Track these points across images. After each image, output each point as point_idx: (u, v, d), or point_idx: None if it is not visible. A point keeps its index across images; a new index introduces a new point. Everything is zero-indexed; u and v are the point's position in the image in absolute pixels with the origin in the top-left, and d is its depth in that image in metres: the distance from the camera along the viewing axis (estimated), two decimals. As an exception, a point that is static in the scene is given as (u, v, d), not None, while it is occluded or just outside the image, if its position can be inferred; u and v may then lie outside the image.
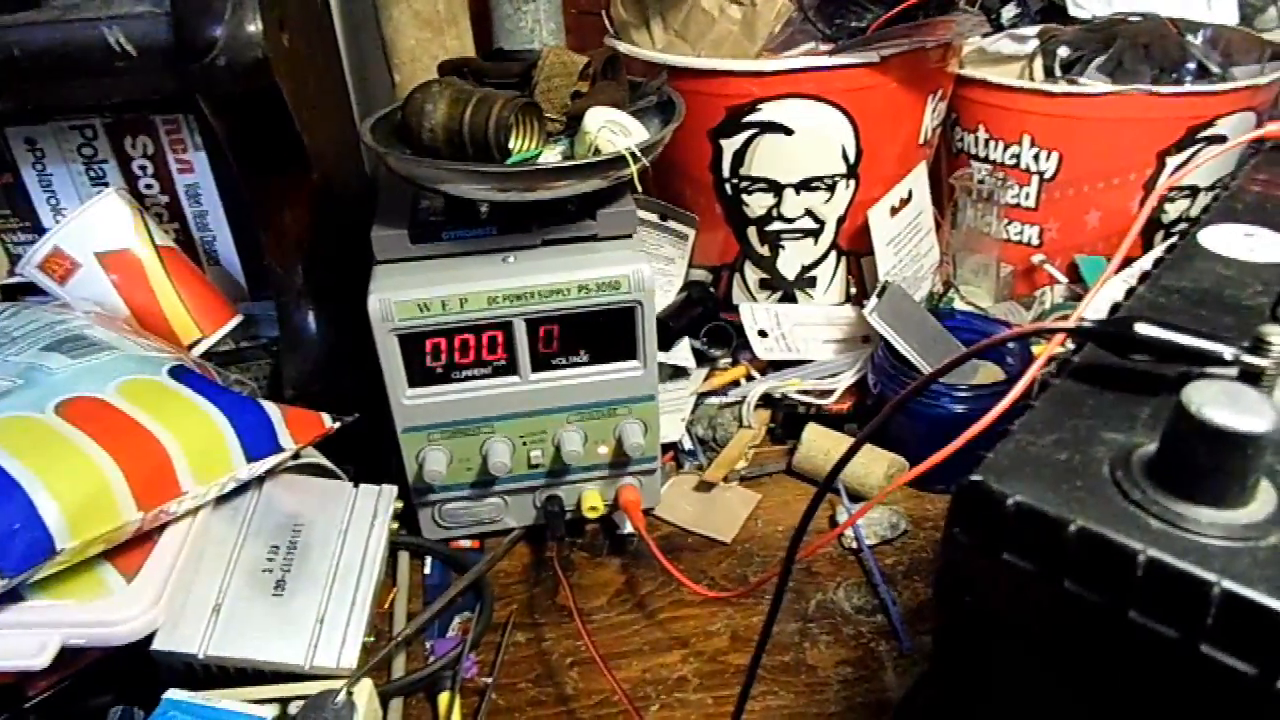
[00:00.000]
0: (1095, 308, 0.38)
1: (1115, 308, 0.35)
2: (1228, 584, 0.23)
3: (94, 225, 0.66)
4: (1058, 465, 0.27)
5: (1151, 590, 0.24)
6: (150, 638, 0.50)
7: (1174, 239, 0.83)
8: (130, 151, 0.73)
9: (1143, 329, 0.30)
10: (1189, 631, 0.24)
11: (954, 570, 0.28)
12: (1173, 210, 0.82)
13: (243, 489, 0.57)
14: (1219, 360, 0.29)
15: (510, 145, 0.55)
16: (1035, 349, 0.70)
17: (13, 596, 0.46)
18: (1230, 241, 0.39)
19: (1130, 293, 0.36)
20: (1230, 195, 0.43)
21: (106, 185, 0.73)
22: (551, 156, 0.59)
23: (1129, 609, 0.24)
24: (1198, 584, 0.23)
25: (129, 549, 0.50)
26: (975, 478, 0.27)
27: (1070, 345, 0.34)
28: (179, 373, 0.56)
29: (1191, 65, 0.78)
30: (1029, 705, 0.29)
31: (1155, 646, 0.24)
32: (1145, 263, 0.77)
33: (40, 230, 0.74)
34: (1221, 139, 0.76)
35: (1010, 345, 0.71)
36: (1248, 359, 0.28)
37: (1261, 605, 0.23)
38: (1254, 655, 0.23)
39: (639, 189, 0.57)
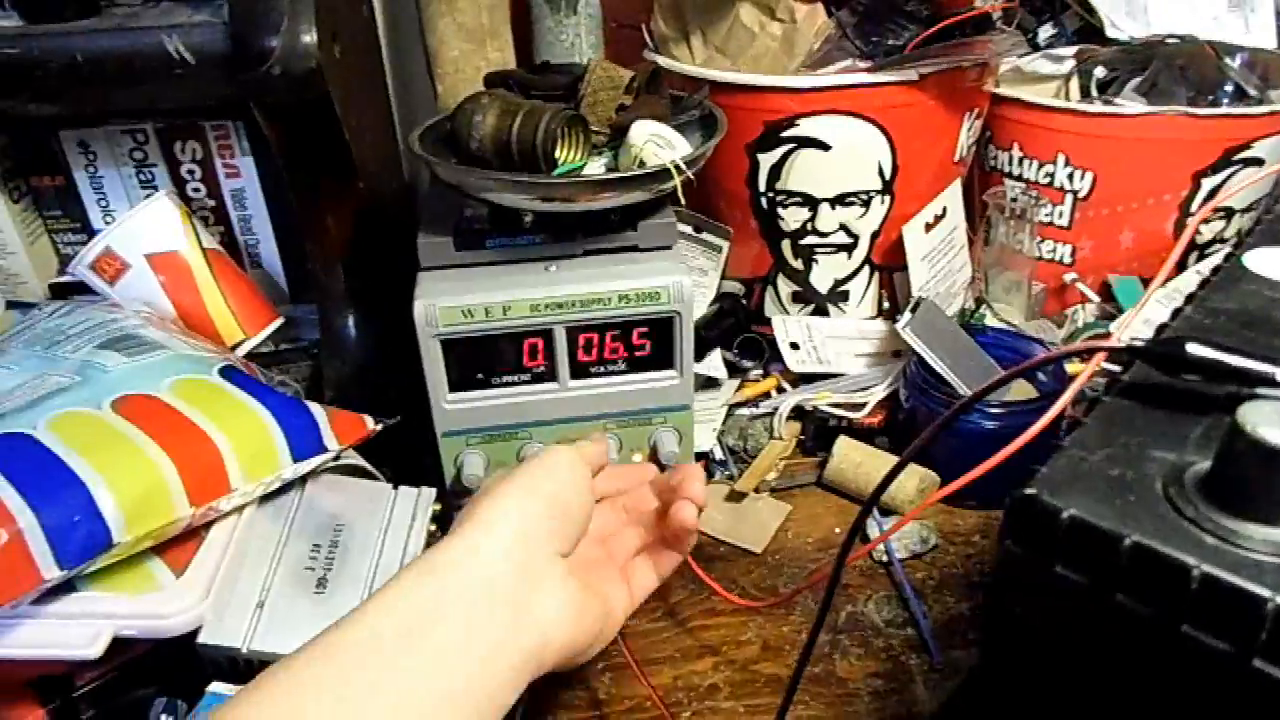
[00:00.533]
0: (1135, 327, 0.39)
1: (1161, 328, 0.36)
2: (1282, 600, 0.23)
3: (144, 227, 0.68)
4: (1110, 481, 0.28)
5: (1205, 605, 0.25)
6: (195, 631, 0.51)
7: (1208, 260, 0.83)
8: (180, 156, 0.75)
9: (1195, 349, 0.30)
10: (1242, 646, 0.24)
11: (1006, 582, 0.29)
12: (1207, 231, 0.82)
13: (286, 488, 0.58)
14: (1270, 381, 0.29)
15: (556, 156, 0.56)
16: (1068, 366, 0.70)
17: (67, 588, 0.48)
18: (1276, 264, 0.39)
19: (1177, 313, 0.36)
20: (1274, 219, 0.44)
21: (155, 188, 0.75)
22: (596, 168, 0.60)
23: (1182, 623, 0.25)
24: (1252, 599, 0.24)
25: (178, 544, 0.52)
26: (1029, 491, 0.27)
27: (1107, 365, 0.35)
28: (229, 372, 0.57)
29: (1228, 87, 0.79)
30: (1076, 717, 0.30)
31: (1208, 660, 0.25)
32: (1181, 283, 0.77)
33: (90, 231, 0.76)
34: (1258, 161, 0.76)
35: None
36: (1299, 381, 0.29)
37: (1316, 622, 0.23)
38: (1308, 671, 0.23)
39: (682, 201, 0.58)
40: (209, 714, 0.36)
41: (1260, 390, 0.29)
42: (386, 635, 0.39)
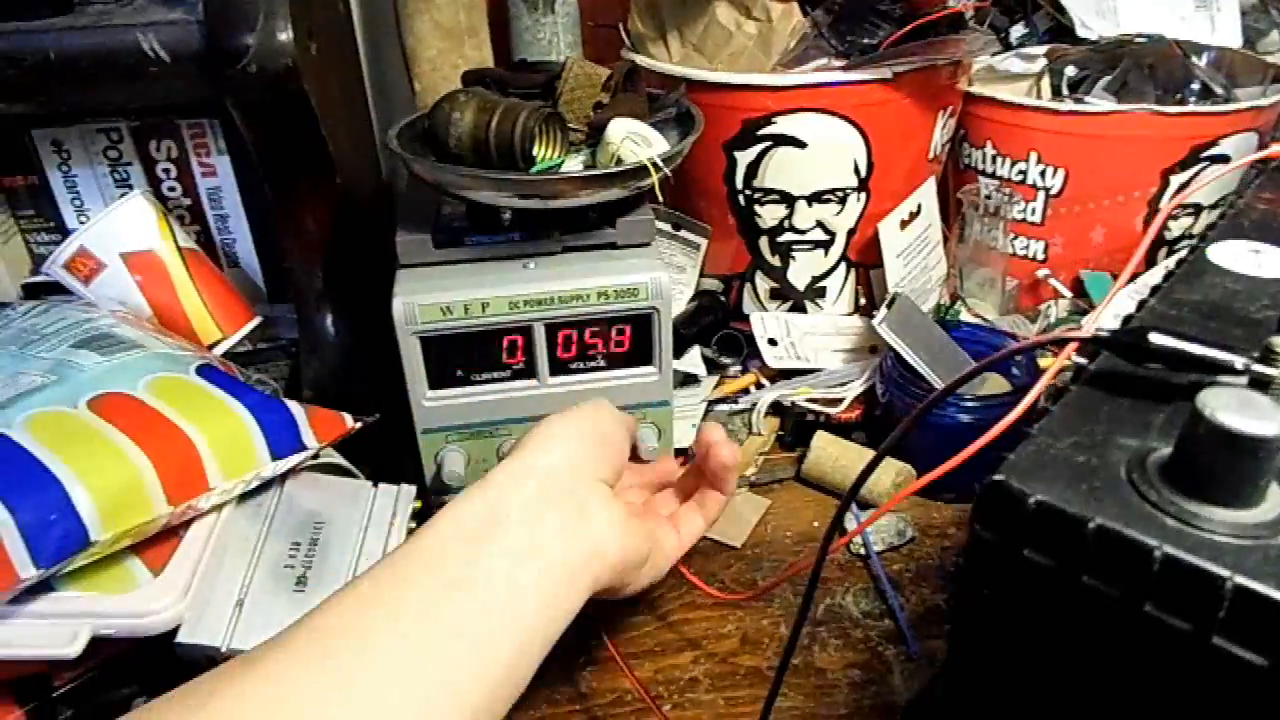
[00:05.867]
0: (1104, 320, 0.40)
1: (1127, 319, 0.37)
2: (1240, 579, 0.24)
3: (119, 226, 0.68)
4: (1076, 467, 0.28)
5: (1166, 585, 0.25)
6: (174, 631, 0.51)
7: (1179, 254, 0.85)
8: (155, 154, 0.74)
9: (1158, 339, 0.31)
10: (1202, 624, 0.25)
11: (976, 566, 0.30)
12: (1176, 228, 0.83)
13: (265, 486, 0.57)
14: (1230, 369, 0.30)
15: (534, 154, 0.56)
16: (1041, 361, 0.71)
17: (44, 587, 0.47)
18: (1238, 257, 0.40)
19: (1142, 305, 0.37)
20: (1237, 213, 0.45)
21: (130, 187, 0.74)
22: (574, 165, 0.60)
23: (1145, 603, 0.26)
24: (1211, 579, 0.25)
25: (156, 543, 0.51)
26: (998, 477, 0.28)
27: (1076, 358, 0.36)
28: (206, 371, 0.57)
29: (1195, 86, 0.80)
30: (1043, 699, 0.30)
31: (1169, 639, 0.25)
32: (1150, 278, 0.79)
33: (64, 231, 0.76)
34: (1225, 158, 0.78)
35: (1017, 356, 0.72)
36: (1257, 368, 0.29)
37: (1272, 599, 0.24)
38: (1264, 647, 0.24)
39: (660, 199, 0.59)
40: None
41: (1221, 378, 0.30)
42: (451, 546, 0.40)
